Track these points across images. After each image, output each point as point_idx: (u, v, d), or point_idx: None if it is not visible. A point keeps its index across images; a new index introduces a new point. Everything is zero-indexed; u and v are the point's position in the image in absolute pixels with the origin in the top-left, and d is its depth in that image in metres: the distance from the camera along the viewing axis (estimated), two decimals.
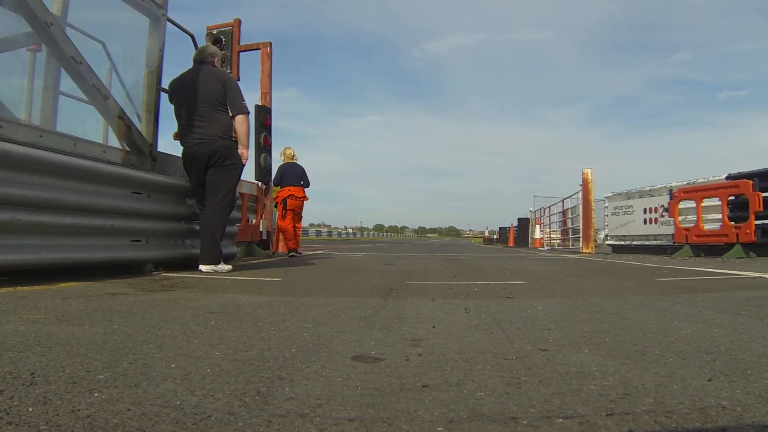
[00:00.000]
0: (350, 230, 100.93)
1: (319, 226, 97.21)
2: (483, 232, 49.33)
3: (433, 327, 1.78)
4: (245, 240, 7.57)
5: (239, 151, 4.38)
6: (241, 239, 7.50)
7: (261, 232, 8.05)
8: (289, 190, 8.08)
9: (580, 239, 11.32)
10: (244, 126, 4.35)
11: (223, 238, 4.42)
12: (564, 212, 13.59)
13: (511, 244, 20.89)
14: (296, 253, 8.05)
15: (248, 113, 4.39)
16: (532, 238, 19.63)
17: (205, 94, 4.30)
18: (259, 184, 8.03)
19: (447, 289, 3.07)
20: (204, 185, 4.36)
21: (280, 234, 8.42)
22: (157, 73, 4.39)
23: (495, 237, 34.60)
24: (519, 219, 21.35)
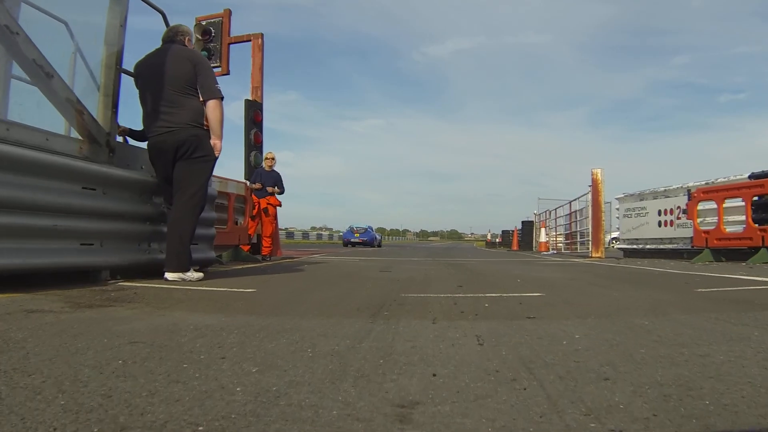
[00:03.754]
0: None
1: (320, 229, 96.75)
2: (485, 236, 48.73)
3: (434, 375, 1.21)
4: (232, 243, 7.01)
5: (212, 141, 3.82)
6: (227, 243, 6.95)
7: (250, 235, 7.48)
8: (266, 200, 7.57)
9: (589, 243, 10.73)
10: (216, 112, 3.79)
11: (193, 241, 3.85)
12: (571, 215, 13.01)
13: (515, 248, 20.27)
14: (267, 258, 7.52)
15: (221, 98, 3.83)
16: (537, 241, 19.04)
17: (173, 76, 3.74)
18: (248, 183, 7.47)
19: (451, 305, 2.49)
20: (172, 181, 3.80)
21: (276, 238, 7.89)
22: (118, 51, 3.83)
23: (497, 240, 34.02)
24: (523, 222, 20.77)
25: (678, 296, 3.00)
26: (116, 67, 3.84)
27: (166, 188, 3.88)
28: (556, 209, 15.16)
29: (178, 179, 3.76)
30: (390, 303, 2.54)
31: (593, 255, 10.29)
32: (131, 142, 4.22)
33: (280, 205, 7.80)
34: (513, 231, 24.98)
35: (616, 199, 10.38)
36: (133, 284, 3.35)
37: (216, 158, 3.86)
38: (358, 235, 27.19)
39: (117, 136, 4.03)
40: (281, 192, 7.72)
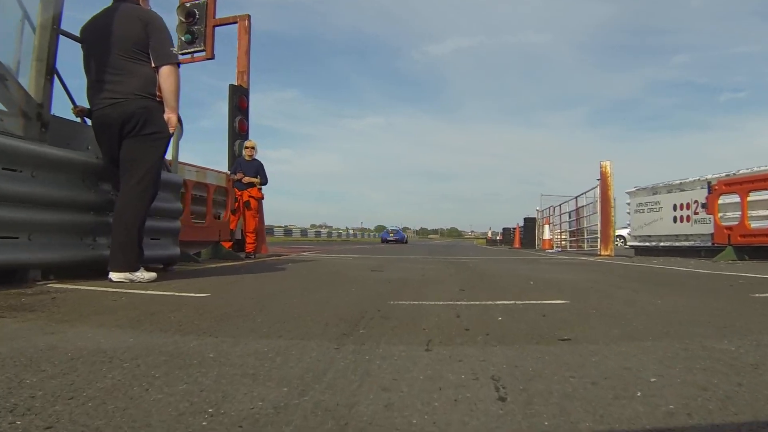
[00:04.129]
0: (351, 231, 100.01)
1: (320, 227, 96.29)
2: (486, 234, 48.07)
3: None
4: (211, 239, 6.39)
5: (165, 115, 3.20)
6: (205, 238, 6.34)
7: (232, 230, 6.86)
8: (248, 192, 6.94)
9: (598, 240, 10.10)
10: (170, 80, 3.17)
11: (154, 235, 3.25)
12: (577, 210, 12.37)
13: (517, 246, 19.61)
14: (251, 256, 6.91)
15: (177, 63, 3.22)
16: (540, 239, 18.41)
17: (121, 38, 3.13)
18: (228, 174, 6.85)
19: (452, 319, 1.88)
20: (119, 163, 3.19)
21: (261, 234, 7.27)
22: (55, 9, 3.20)
23: (498, 238, 33.37)
24: (525, 219, 20.07)
25: (736, 304, 2.39)
26: (53, 28, 3.21)
27: (113, 171, 3.27)
28: (560, 205, 14.51)
29: (125, 160, 3.15)
30: (372, 315, 1.93)
31: (602, 253, 9.66)
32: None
33: (262, 198, 7.18)
34: (514, 228, 24.39)
35: (627, 193, 9.74)
36: (63, 286, 2.74)
37: (170, 135, 3.24)
38: (392, 234, 37.25)
39: (77, 118, 3.45)
40: (264, 183, 7.10)
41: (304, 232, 57.71)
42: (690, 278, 4.04)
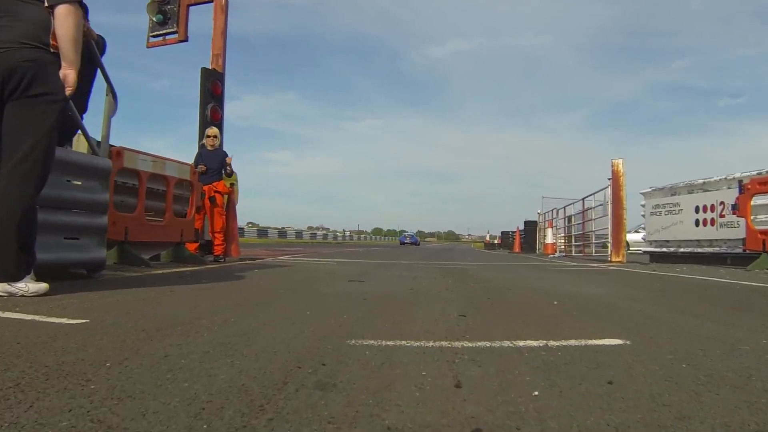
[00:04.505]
0: (348, 233, 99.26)
1: (317, 228, 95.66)
2: (483, 237, 47.22)
3: None
4: (171, 240, 5.54)
5: (61, 72, 2.36)
6: (165, 239, 5.49)
7: (197, 230, 6.00)
8: (213, 186, 6.08)
9: (608, 245, 9.28)
10: (68, 25, 2.32)
11: (33, 230, 2.40)
12: (584, 213, 11.54)
13: (517, 250, 18.75)
14: (220, 259, 6.05)
15: (78, 1, 2.37)
16: (541, 242, 17.57)
17: None
18: (192, 165, 5.98)
19: (445, 390, 1.03)
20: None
21: (228, 234, 6.40)
22: None
23: (496, 242, 32.52)
24: (526, 222, 19.25)
25: None
26: None
27: None
28: (564, 207, 13.66)
29: (6, 131, 2.30)
30: (304, 377, 1.08)
31: (613, 259, 8.82)
32: None
33: (229, 193, 6.31)
34: (514, 232, 23.54)
35: (641, 193, 8.90)
36: None
37: (65, 98, 2.39)
38: (409, 239, 48.75)
39: None
40: (229, 174, 6.24)
41: (299, 234, 56.64)
42: (756, 295, 3.20)
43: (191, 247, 5.90)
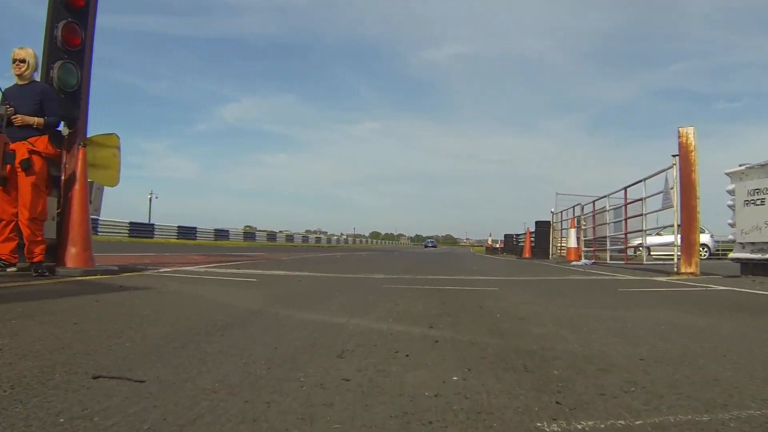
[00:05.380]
0: (345, 237, 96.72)
1: (314, 232, 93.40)
2: (483, 240, 44.45)
3: None
4: None
5: None
6: None
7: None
8: (26, 144, 3.39)
9: (675, 250, 6.56)
10: None
11: None
12: (626, 208, 8.84)
13: (527, 255, 15.99)
14: (43, 270, 3.34)
15: None
16: (557, 246, 14.83)
17: None
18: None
19: None
20: None
21: (65, 229, 3.66)
22: None
23: (498, 246, 29.74)
24: (537, 223, 16.51)
25: None
26: None
27: None
28: (594, 202, 10.95)
29: None
30: None
31: (683, 270, 6.10)
32: None
33: (54, 154, 3.58)
34: (521, 235, 20.77)
35: (727, 174, 6.18)
36: None
37: None
38: (430, 244, 73.62)
39: None
40: (55, 122, 3.53)
41: (290, 238, 53.67)
42: None
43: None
